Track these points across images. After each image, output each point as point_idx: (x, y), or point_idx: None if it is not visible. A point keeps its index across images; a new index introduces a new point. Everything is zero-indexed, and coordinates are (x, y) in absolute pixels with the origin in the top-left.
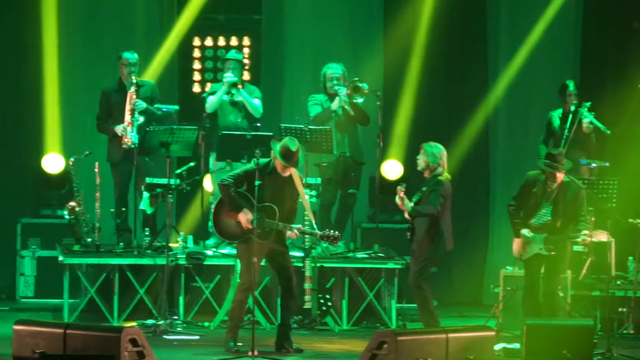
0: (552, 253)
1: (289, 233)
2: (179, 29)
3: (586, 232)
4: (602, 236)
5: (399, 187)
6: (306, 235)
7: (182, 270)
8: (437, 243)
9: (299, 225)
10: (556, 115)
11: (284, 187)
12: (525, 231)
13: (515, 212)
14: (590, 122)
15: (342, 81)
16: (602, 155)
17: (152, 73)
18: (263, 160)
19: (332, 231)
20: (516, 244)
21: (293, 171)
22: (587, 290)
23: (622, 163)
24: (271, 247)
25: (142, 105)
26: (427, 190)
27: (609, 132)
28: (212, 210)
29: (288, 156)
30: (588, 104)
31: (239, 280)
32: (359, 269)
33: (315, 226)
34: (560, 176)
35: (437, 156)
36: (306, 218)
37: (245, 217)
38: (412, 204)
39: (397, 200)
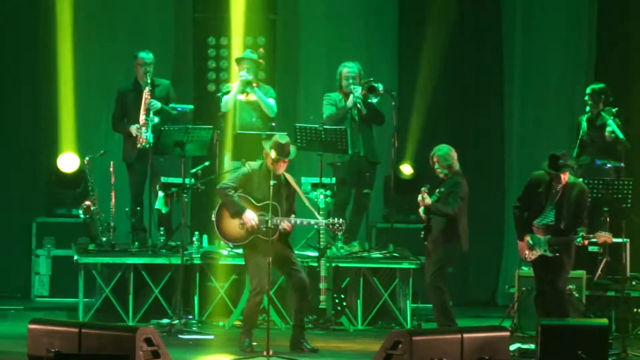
0: (557, 254)
1: (283, 225)
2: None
3: (583, 234)
4: (604, 238)
5: (422, 189)
6: (321, 235)
7: (197, 269)
8: (454, 244)
9: (293, 217)
10: (584, 118)
11: (280, 188)
12: (528, 238)
13: (520, 215)
14: (612, 132)
15: (358, 80)
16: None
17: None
18: (256, 163)
19: (336, 219)
20: (521, 246)
21: (288, 175)
22: (602, 290)
23: (637, 163)
24: (276, 250)
25: (157, 105)
26: (446, 192)
27: (628, 145)
28: (214, 218)
29: (279, 149)
30: (614, 110)
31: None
32: (374, 269)
33: (319, 217)
34: (565, 177)
35: (447, 158)
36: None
37: (249, 217)
38: (431, 201)
39: (419, 198)
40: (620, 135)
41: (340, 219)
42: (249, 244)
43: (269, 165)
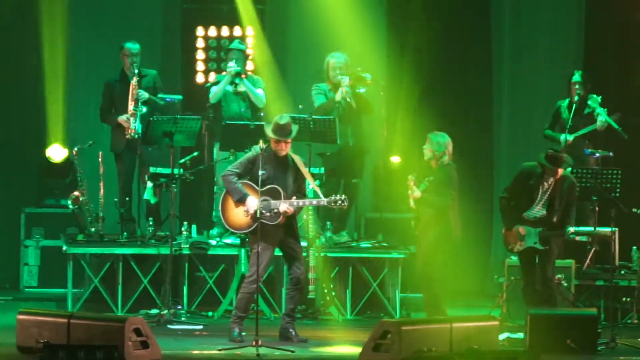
0: (547, 247)
1: (282, 208)
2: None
3: (571, 229)
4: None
5: (410, 177)
6: (310, 225)
7: (186, 259)
8: (444, 231)
9: (294, 199)
10: (564, 105)
11: (287, 170)
12: (520, 229)
13: (507, 205)
14: (606, 122)
15: (345, 71)
16: (607, 145)
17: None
18: (261, 146)
19: (337, 196)
20: (507, 236)
21: (295, 157)
22: (591, 280)
23: (625, 153)
24: (282, 237)
25: (145, 95)
26: (435, 181)
27: (626, 136)
28: (220, 207)
29: (279, 130)
30: (598, 98)
31: (244, 272)
32: (363, 258)
33: (321, 196)
34: (561, 172)
35: (442, 145)
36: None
37: (251, 205)
38: (420, 193)
39: (409, 192)
40: (616, 126)
41: (343, 195)
42: (254, 230)
43: (273, 147)
